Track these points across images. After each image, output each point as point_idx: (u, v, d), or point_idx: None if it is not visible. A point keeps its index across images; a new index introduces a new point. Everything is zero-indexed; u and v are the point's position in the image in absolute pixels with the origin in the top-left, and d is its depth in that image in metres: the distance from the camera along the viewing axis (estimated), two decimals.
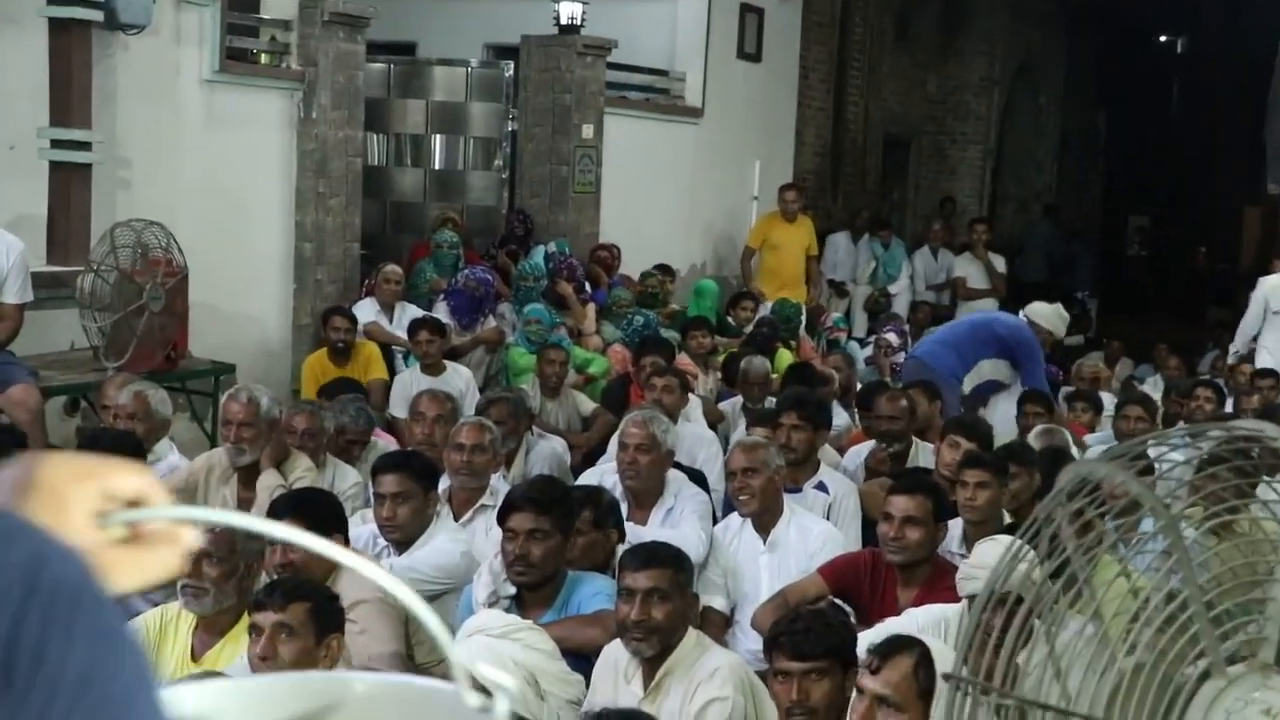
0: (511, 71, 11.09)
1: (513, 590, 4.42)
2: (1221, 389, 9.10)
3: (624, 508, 5.41)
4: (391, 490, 4.94)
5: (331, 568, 4.41)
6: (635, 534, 5.29)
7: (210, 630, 4.12)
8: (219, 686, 1.35)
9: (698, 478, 6.19)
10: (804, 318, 11.33)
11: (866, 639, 4.21)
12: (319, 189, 9.11)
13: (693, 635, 4.09)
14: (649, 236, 11.88)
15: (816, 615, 4.20)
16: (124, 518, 1.18)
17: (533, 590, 4.32)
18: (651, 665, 4.01)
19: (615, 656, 4.04)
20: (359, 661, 4.14)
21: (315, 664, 3.59)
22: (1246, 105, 20.36)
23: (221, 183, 8.62)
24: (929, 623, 4.30)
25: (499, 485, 5.86)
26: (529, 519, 4.40)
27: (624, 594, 4.04)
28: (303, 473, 5.74)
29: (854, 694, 3.58)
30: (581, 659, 4.13)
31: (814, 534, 5.43)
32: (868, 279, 14.06)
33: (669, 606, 4.01)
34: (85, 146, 7.78)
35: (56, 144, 7.73)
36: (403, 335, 8.88)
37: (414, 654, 4.51)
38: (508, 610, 4.33)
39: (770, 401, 8.07)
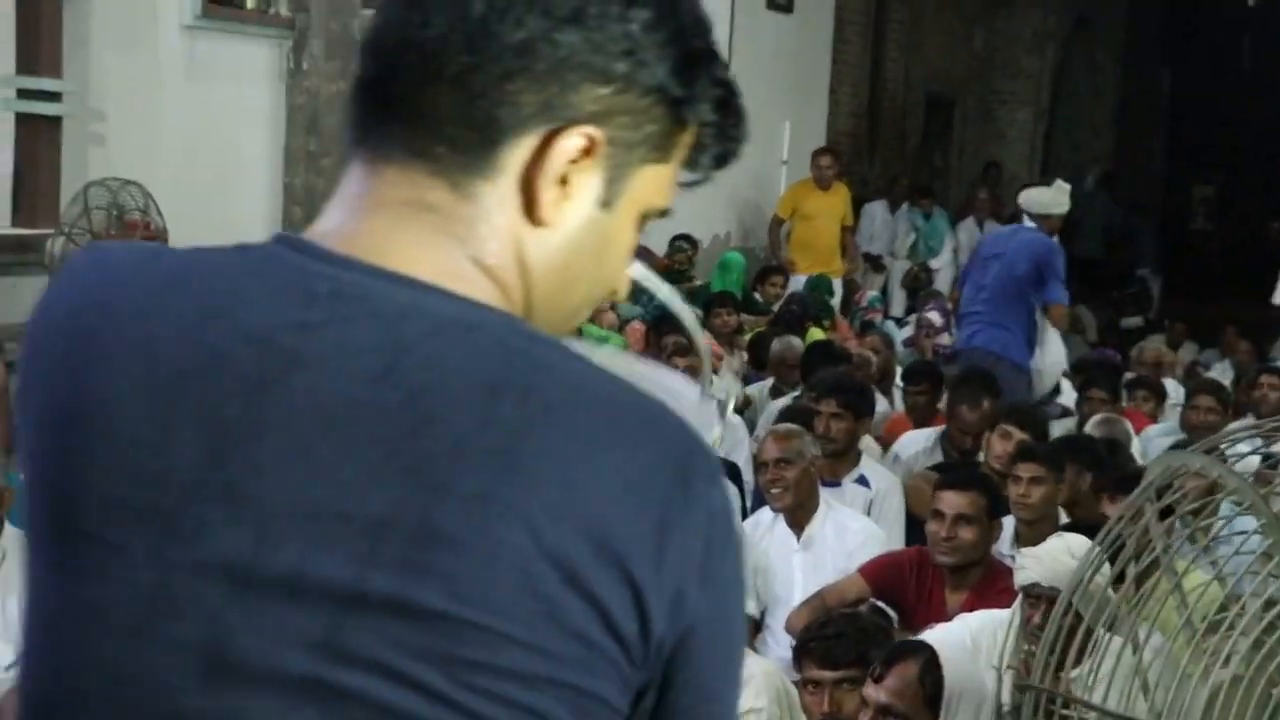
0: None
1: None
2: None
3: None
4: None
5: None
6: None
7: None
8: None
9: (728, 469, 6.21)
10: (839, 295, 11.35)
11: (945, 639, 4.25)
12: (310, 148, 9.12)
13: None
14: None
15: (850, 619, 4.23)
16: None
17: None
18: None
19: None
20: None
21: None
22: None
23: (203, 139, 8.62)
24: (982, 628, 4.32)
25: None
26: None
27: None
28: None
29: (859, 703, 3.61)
30: None
31: (852, 531, 5.45)
32: (907, 252, 14.05)
33: None
34: (55, 97, 7.80)
35: (23, 94, 7.74)
36: None
37: None
38: None
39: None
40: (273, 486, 1.07)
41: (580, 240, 1.18)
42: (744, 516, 5.77)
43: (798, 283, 11.26)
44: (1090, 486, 5.81)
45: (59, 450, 1.13)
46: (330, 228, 1.18)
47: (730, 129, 1.26)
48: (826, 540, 5.44)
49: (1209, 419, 7.51)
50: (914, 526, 5.85)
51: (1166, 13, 22.03)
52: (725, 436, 6.99)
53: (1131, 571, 1.78)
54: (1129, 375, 9.60)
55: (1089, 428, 7.49)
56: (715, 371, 8.06)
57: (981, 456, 6.46)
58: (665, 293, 1.48)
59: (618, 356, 1.43)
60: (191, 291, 1.14)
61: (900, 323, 12.11)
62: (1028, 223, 8.75)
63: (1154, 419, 8.54)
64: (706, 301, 9.89)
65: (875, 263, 13.76)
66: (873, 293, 12.52)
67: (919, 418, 7.75)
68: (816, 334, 9.81)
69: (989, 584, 4.94)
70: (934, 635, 4.42)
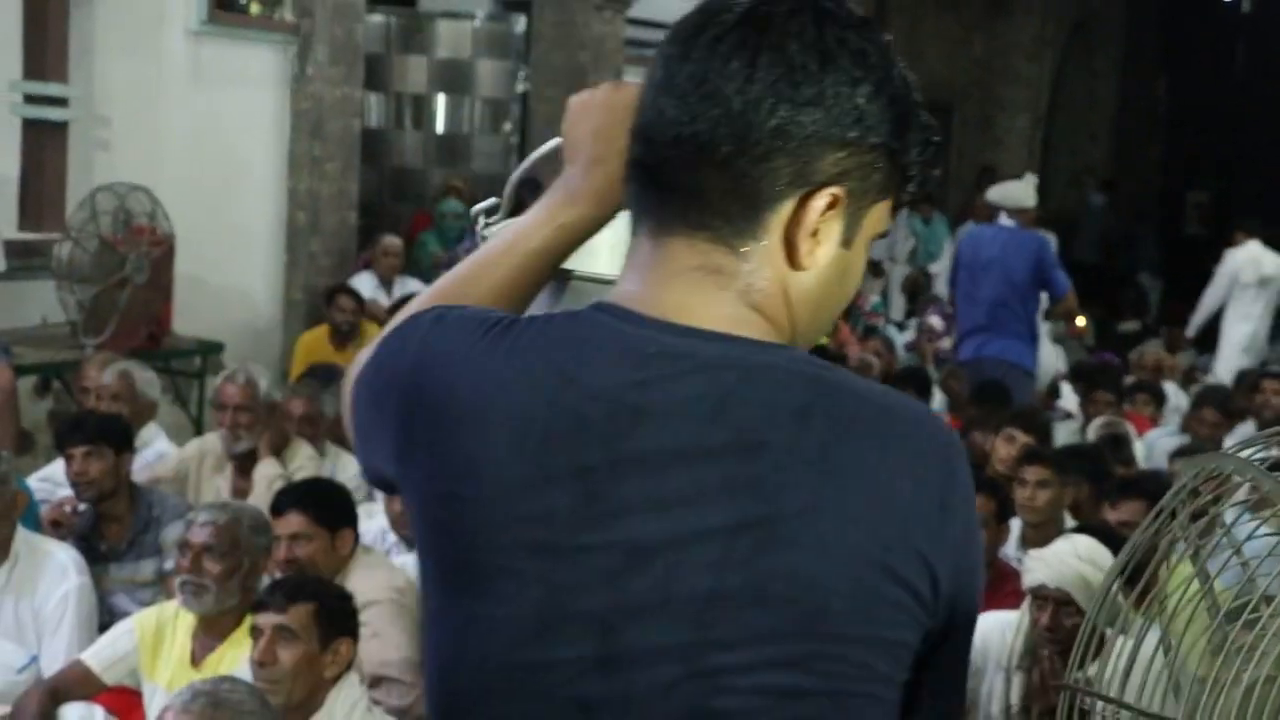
0: (523, 26, 11.09)
1: None
2: None
3: None
4: None
5: (340, 565, 4.44)
6: None
7: (211, 632, 4.14)
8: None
9: None
10: None
11: None
12: (314, 152, 9.12)
13: None
14: None
15: None
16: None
17: None
18: None
19: None
20: (370, 668, 4.16)
21: (319, 671, 3.61)
22: None
23: (208, 144, 8.62)
24: (990, 630, 4.32)
25: None
26: None
27: None
28: (304, 461, 5.76)
29: None
30: None
31: None
32: (906, 258, 14.06)
33: None
34: (61, 102, 7.81)
35: (30, 99, 7.75)
36: None
37: None
38: None
39: None
40: (636, 518, 1.34)
41: (829, 275, 1.43)
42: None
43: None
44: (1091, 493, 5.82)
45: (455, 499, 1.39)
46: (635, 293, 1.42)
47: (932, 163, 1.50)
48: None
49: (1215, 432, 7.51)
50: None
51: (1163, 20, 22.03)
52: None
53: (1164, 574, 1.78)
54: (1129, 379, 9.61)
55: (1092, 430, 7.50)
56: None
57: None
58: None
59: None
60: (542, 361, 1.39)
61: (900, 327, 12.12)
62: (1005, 220, 8.75)
63: (1154, 422, 8.55)
64: None
65: (875, 268, 13.74)
66: (875, 298, 12.52)
67: None
68: (820, 341, 9.82)
69: (997, 586, 4.94)
70: None
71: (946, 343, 9.99)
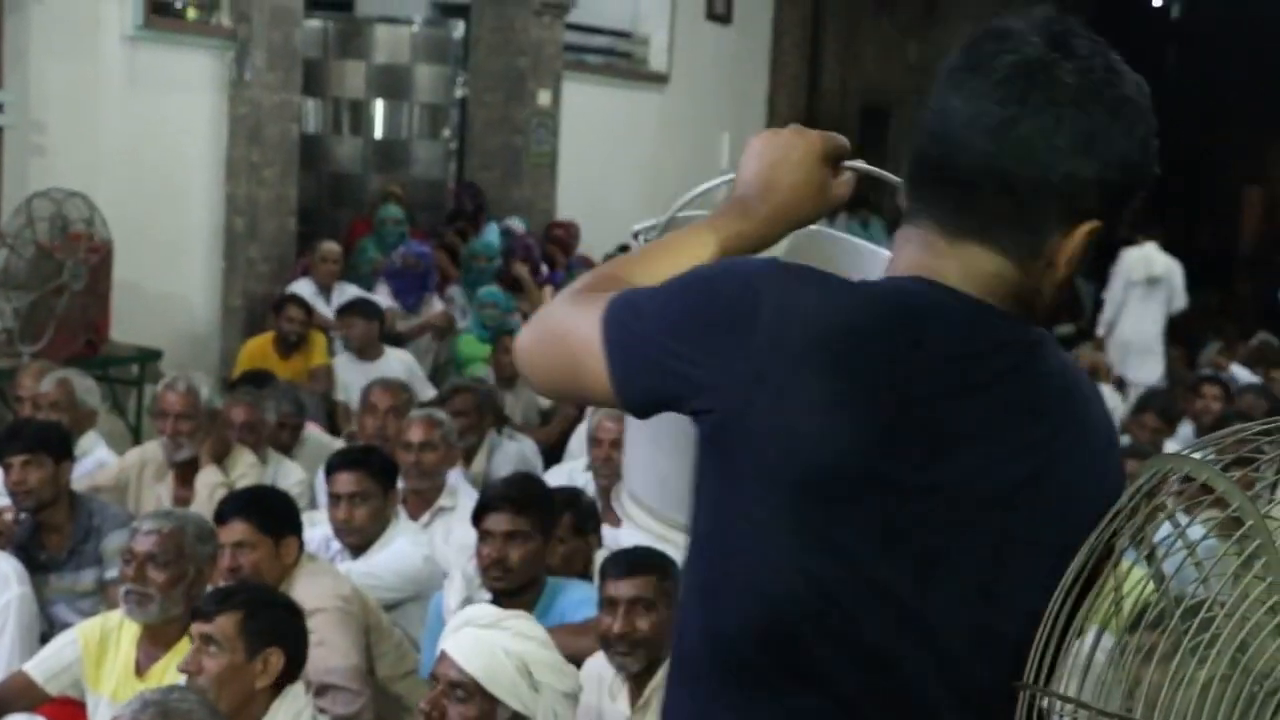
0: (461, 31, 11.08)
1: (488, 597, 4.41)
2: (1228, 385, 9.19)
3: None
4: (349, 490, 4.92)
5: (285, 573, 4.41)
6: (611, 537, 5.30)
7: (156, 642, 4.09)
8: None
9: None
10: None
11: None
12: (252, 158, 9.08)
13: None
14: (609, 213, 11.86)
15: None
16: (855, 166, 1.95)
17: (511, 597, 4.31)
18: (639, 681, 4.01)
19: (599, 671, 4.04)
20: (315, 676, 4.13)
21: (248, 682, 3.57)
22: (1247, 75, 20.56)
23: (145, 150, 8.56)
24: None
25: (458, 484, 5.85)
26: (507, 520, 4.39)
27: (606, 605, 4.04)
28: (246, 469, 5.72)
29: None
30: None
31: None
32: None
33: (655, 617, 4.01)
34: None
35: None
36: None
37: (375, 667, 4.51)
38: None
39: None
40: (969, 474, 1.63)
41: (1063, 281, 1.72)
42: None
43: None
44: None
45: (817, 436, 1.59)
46: (942, 274, 1.69)
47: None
48: None
49: (1155, 438, 7.56)
50: None
51: (1093, 26, 22.14)
52: None
53: (1120, 574, 1.80)
54: None
55: None
56: None
57: None
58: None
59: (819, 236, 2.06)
60: (899, 327, 1.64)
61: None
62: None
63: None
64: None
65: None
66: None
67: None
68: None
69: None
70: None
71: None
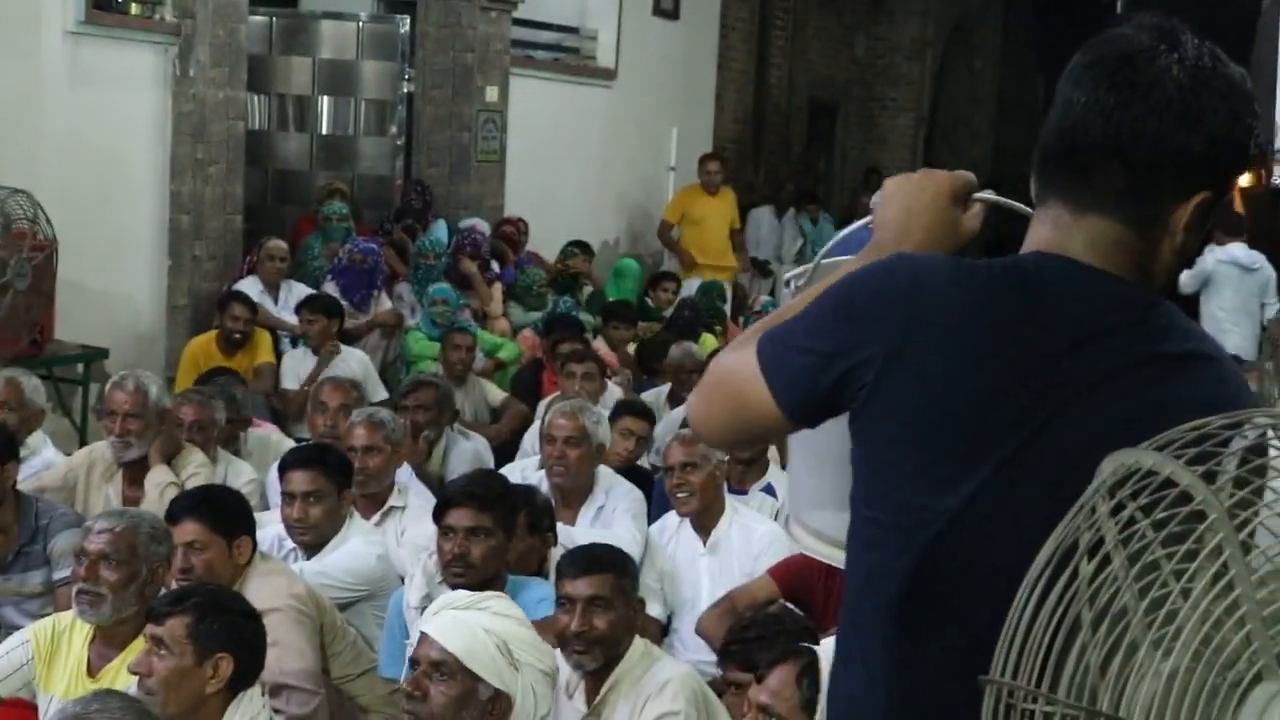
0: (407, 27, 11.03)
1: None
2: None
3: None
4: (303, 489, 4.91)
5: (238, 573, 4.40)
6: (565, 535, 5.32)
7: (109, 642, 4.08)
8: None
9: (636, 474, 6.22)
10: (729, 300, 11.41)
11: (828, 647, 4.28)
12: (197, 155, 9.03)
13: (639, 645, 4.12)
14: (558, 210, 11.89)
15: (772, 621, 4.26)
16: (984, 198, 2.10)
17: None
18: (596, 679, 4.04)
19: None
20: (269, 676, 4.12)
21: (197, 686, 3.56)
22: None
23: (88, 147, 8.50)
24: None
25: (408, 482, 5.85)
26: (469, 515, 4.41)
27: (563, 603, 4.07)
28: (196, 469, 5.69)
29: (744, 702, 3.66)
30: None
31: (758, 534, 5.47)
32: (794, 257, 14.17)
33: (612, 615, 4.04)
34: None
35: None
36: (289, 318, 8.84)
37: (329, 667, 4.51)
38: None
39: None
40: (1088, 416, 1.81)
41: (1181, 247, 1.89)
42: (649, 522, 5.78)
43: (689, 288, 11.30)
44: None
45: (954, 391, 1.82)
46: (1066, 246, 1.89)
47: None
48: (732, 544, 5.46)
49: None
50: None
51: (1039, 21, 22.37)
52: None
53: (1084, 569, 1.82)
54: None
55: None
56: (607, 377, 8.08)
57: None
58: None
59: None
60: (1021, 293, 1.86)
61: None
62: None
63: None
64: (605, 309, 9.88)
65: (763, 268, 13.85)
66: (764, 297, 12.61)
67: None
68: (710, 340, 9.85)
69: None
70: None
71: None
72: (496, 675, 3.36)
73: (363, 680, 4.60)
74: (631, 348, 9.45)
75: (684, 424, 6.72)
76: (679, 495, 5.49)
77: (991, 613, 1.74)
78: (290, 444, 6.72)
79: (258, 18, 10.55)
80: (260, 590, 4.26)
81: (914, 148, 18.14)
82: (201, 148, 9.03)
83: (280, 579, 4.46)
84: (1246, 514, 1.75)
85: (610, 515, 5.72)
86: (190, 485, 5.41)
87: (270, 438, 6.91)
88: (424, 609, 4.44)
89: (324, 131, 11.14)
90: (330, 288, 9.18)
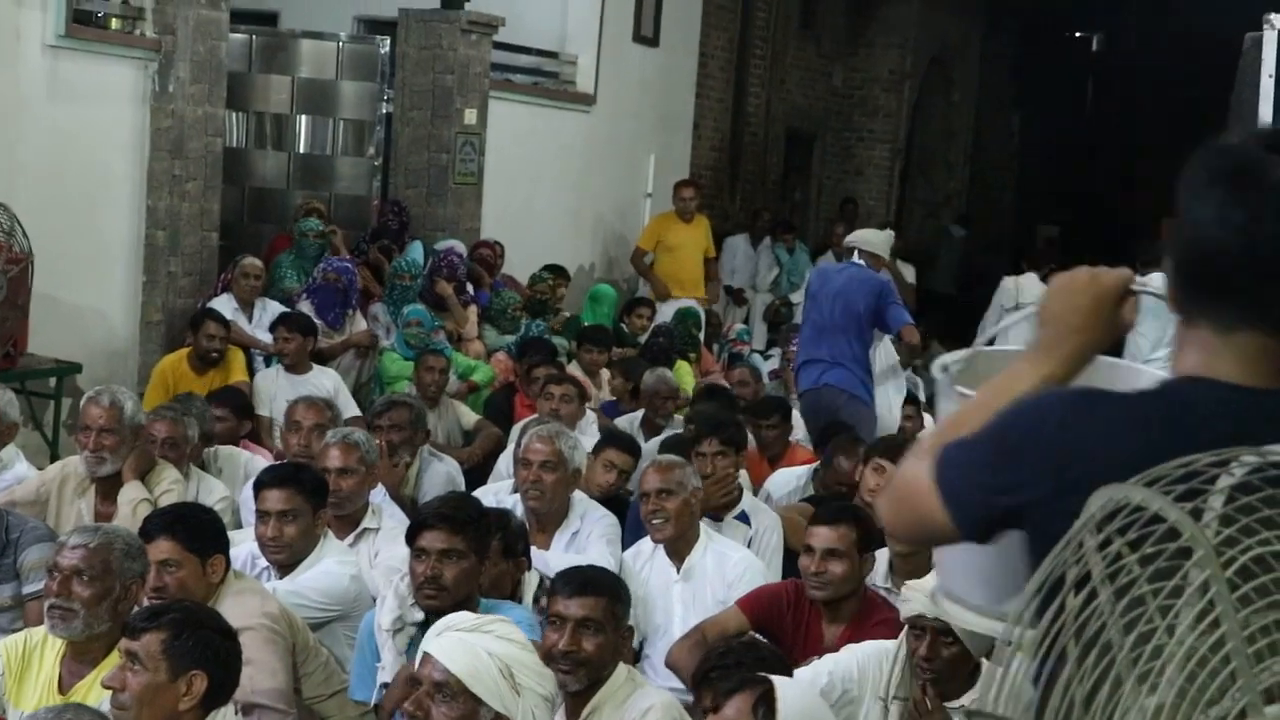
0: (387, 47, 11.05)
1: (421, 616, 4.42)
2: None
3: None
4: (278, 507, 4.90)
5: (212, 591, 4.39)
6: (539, 560, 5.31)
7: (80, 659, 4.07)
8: None
9: (612, 499, 6.22)
10: (703, 327, 11.42)
11: (801, 676, 4.29)
12: (174, 171, 9.01)
13: (623, 670, 4.13)
14: (534, 234, 11.90)
15: (749, 648, 4.26)
16: (1141, 290, 2.14)
17: (443, 616, 4.33)
18: (577, 701, 4.04)
19: None
20: (241, 695, 4.11)
21: (170, 703, 3.55)
22: (1166, 108, 20.85)
23: (65, 161, 8.48)
24: (867, 659, 4.38)
25: (382, 504, 5.84)
26: (442, 538, 4.40)
27: (553, 621, 4.08)
28: (170, 485, 5.68)
29: None
30: None
31: (732, 562, 5.47)
32: (769, 286, 14.21)
33: (601, 639, 4.05)
34: None
35: None
36: (263, 336, 8.83)
37: (301, 687, 4.50)
38: (413, 639, 4.34)
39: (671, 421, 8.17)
40: None
41: None
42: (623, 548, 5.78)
43: (664, 315, 11.31)
44: None
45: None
46: (1215, 368, 1.94)
47: None
48: (706, 571, 5.46)
49: None
50: (791, 560, 5.89)
51: (1016, 55, 22.51)
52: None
53: (1071, 603, 1.84)
54: None
55: None
56: (585, 401, 8.09)
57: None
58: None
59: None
60: (1175, 421, 1.90)
61: (764, 355, 12.22)
62: (857, 259, 8.93)
63: None
64: (580, 334, 9.89)
65: (737, 296, 13.88)
66: (739, 325, 12.62)
67: (771, 453, 7.78)
68: (684, 368, 9.87)
69: (865, 616, 4.99)
70: (817, 665, 4.48)
71: None
72: (498, 699, 3.37)
73: (334, 701, 4.59)
74: (606, 374, 9.45)
75: (660, 449, 6.74)
76: (654, 521, 5.49)
77: None
78: (261, 462, 6.71)
79: (238, 35, 10.55)
80: (233, 609, 4.24)
81: (890, 179, 18.22)
82: (179, 164, 9.01)
83: (253, 598, 4.45)
84: (1233, 551, 1.77)
85: (585, 540, 5.71)
86: (163, 502, 5.40)
87: (240, 455, 6.88)
88: (396, 631, 4.45)
89: (302, 150, 11.14)
90: (304, 306, 9.15)
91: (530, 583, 5.04)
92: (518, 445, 6.14)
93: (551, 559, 5.47)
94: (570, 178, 12.63)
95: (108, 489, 5.66)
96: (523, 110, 11.99)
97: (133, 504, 5.43)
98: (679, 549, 5.51)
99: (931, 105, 19.51)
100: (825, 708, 3.71)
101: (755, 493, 6.91)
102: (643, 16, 13.47)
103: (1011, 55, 22.31)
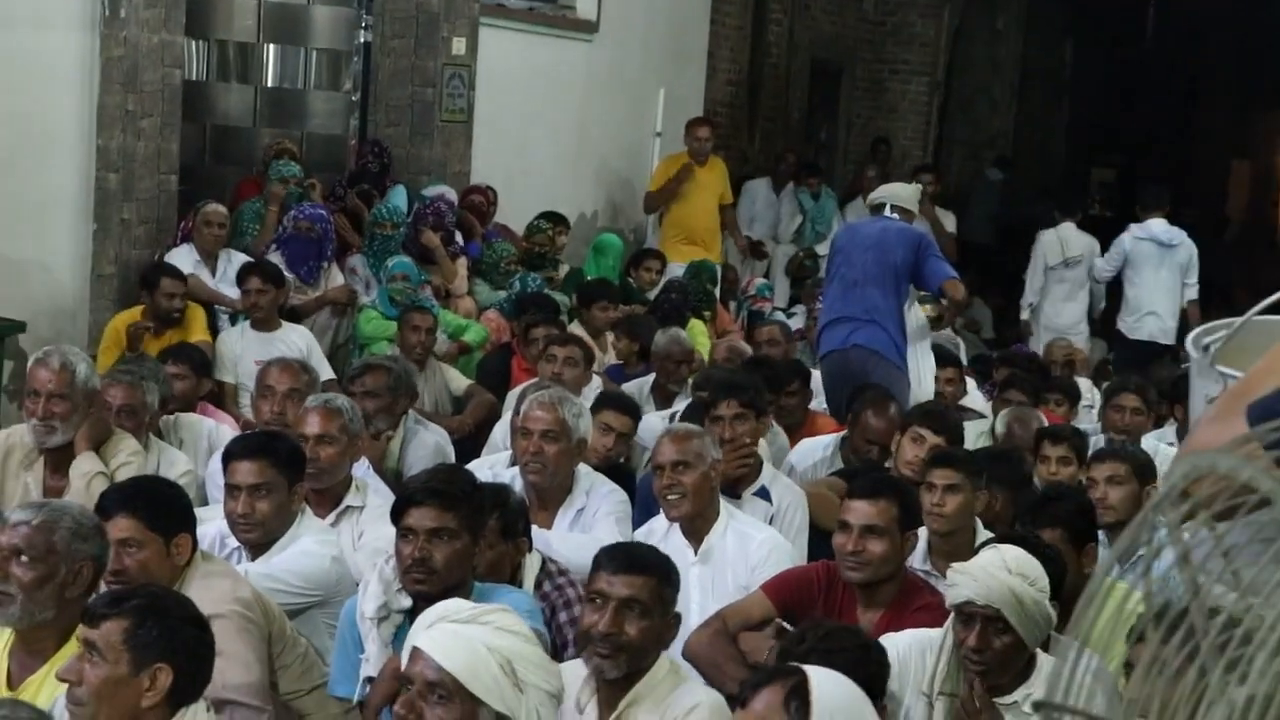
0: None
1: (408, 603, 4.42)
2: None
3: None
4: (249, 481, 4.90)
5: (177, 574, 4.39)
6: (540, 540, 5.31)
7: (30, 650, 4.06)
8: None
9: (619, 473, 6.23)
10: (719, 282, 11.42)
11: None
12: (127, 107, 8.99)
13: (665, 662, 4.11)
14: (531, 178, 11.88)
15: (837, 633, 4.20)
16: None
17: (433, 602, 4.33)
18: (614, 690, 4.03)
19: (566, 679, 4.03)
20: (212, 690, 4.11)
21: (132, 699, 3.55)
22: (1234, 39, 20.79)
23: (5, 97, 8.47)
24: (908, 651, 4.38)
25: (367, 479, 5.84)
26: (431, 515, 4.39)
27: (594, 599, 4.07)
28: (128, 457, 5.68)
29: None
30: None
31: (756, 543, 5.46)
32: (792, 236, 14.18)
33: (646, 623, 4.04)
34: None
35: None
36: (229, 290, 8.82)
37: (277, 681, 4.51)
38: (400, 628, 4.35)
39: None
40: None
41: None
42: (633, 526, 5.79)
43: (675, 267, 11.29)
44: (1008, 502, 5.93)
45: None
46: None
47: None
48: (727, 552, 5.45)
49: (1134, 420, 7.68)
50: (819, 540, 5.89)
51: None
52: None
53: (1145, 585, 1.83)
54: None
55: (999, 422, 7.67)
56: (592, 364, 8.09)
57: (890, 464, 6.50)
58: None
59: None
60: None
61: (787, 314, 12.21)
62: (889, 213, 8.91)
63: (1068, 420, 8.70)
64: (583, 289, 9.85)
65: (757, 248, 13.81)
66: (760, 280, 12.60)
67: (790, 423, 7.77)
68: (698, 327, 9.86)
69: (905, 601, 4.98)
70: None
71: None
72: (499, 698, 3.32)
73: (313, 697, 4.60)
74: (611, 336, 9.44)
75: (674, 418, 6.74)
76: (669, 497, 5.49)
77: None
78: (227, 431, 6.71)
79: None
80: (202, 594, 4.24)
81: (927, 117, 18.15)
82: (133, 98, 8.99)
83: (224, 582, 4.46)
84: None
85: (591, 518, 5.72)
86: (120, 475, 5.41)
87: (203, 423, 6.86)
88: (381, 620, 4.45)
89: (270, 83, 11.13)
90: (275, 259, 9.13)
91: (531, 565, 5.03)
92: (515, 413, 6.14)
93: (554, 539, 5.48)
94: (570, 115, 12.59)
95: (58, 461, 5.66)
96: (517, 40, 11.95)
97: (86, 477, 5.44)
98: (697, 528, 5.51)
99: (974, 34, 19.41)
100: (866, 701, 3.70)
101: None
102: None
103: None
